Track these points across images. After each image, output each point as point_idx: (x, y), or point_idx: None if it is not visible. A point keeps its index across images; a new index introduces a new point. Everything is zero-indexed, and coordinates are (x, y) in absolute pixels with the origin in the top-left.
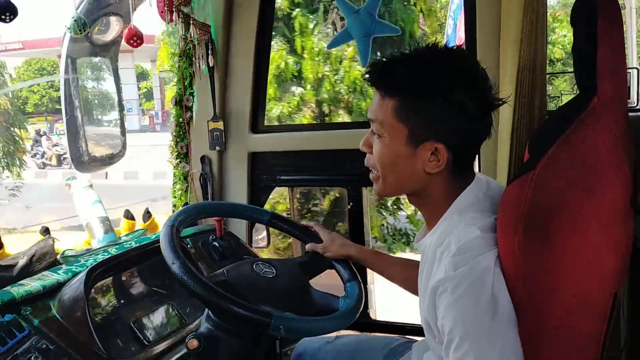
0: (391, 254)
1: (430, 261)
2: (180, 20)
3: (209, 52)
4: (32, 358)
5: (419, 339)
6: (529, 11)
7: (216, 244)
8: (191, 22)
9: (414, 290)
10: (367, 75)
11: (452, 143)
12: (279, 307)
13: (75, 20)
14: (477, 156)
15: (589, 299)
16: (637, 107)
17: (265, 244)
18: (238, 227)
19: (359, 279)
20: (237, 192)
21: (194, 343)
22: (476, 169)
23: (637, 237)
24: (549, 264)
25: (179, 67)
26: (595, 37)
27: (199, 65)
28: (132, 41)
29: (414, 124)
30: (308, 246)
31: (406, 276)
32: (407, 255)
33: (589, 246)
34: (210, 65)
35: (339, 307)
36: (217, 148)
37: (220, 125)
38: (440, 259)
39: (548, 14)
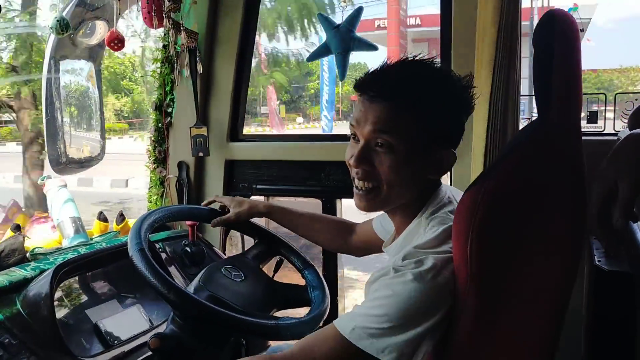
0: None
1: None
2: (170, 26)
3: (197, 59)
4: None
5: None
6: (503, 32)
7: (188, 249)
8: (182, 28)
9: (316, 241)
10: (372, 87)
11: (454, 148)
12: (262, 309)
13: (58, 21)
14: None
15: (540, 307)
16: (604, 132)
17: (240, 249)
18: (213, 233)
19: (312, 264)
20: None
21: (156, 342)
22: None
23: (596, 257)
24: (500, 270)
25: (160, 72)
26: (552, 56)
27: (180, 71)
28: (112, 44)
29: (430, 133)
30: (217, 221)
31: (312, 226)
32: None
33: (538, 255)
34: (199, 72)
35: (310, 297)
36: (200, 154)
37: (204, 131)
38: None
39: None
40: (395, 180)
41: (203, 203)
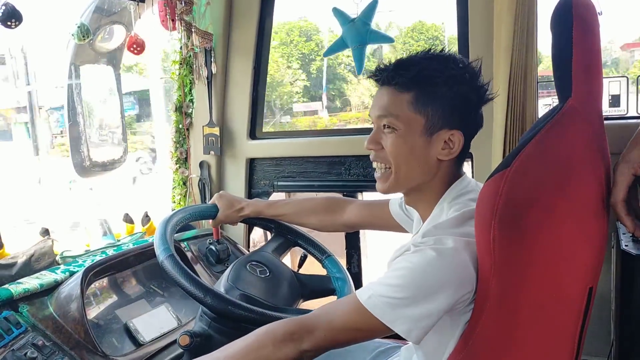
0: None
1: None
2: (183, 28)
3: (212, 59)
4: (28, 353)
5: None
6: (520, 18)
7: (213, 247)
8: (193, 30)
9: (306, 224)
10: (377, 76)
11: (465, 130)
12: (289, 302)
13: (78, 27)
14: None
15: (562, 293)
16: (627, 115)
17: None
18: (237, 231)
19: (330, 253)
20: None
21: (185, 339)
22: (468, 170)
23: (623, 242)
24: (523, 258)
25: (179, 74)
26: (571, 41)
27: (200, 72)
28: (132, 49)
29: (430, 114)
30: (211, 224)
31: (300, 211)
32: None
33: (562, 242)
34: (214, 72)
35: (334, 286)
36: (212, 152)
37: (216, 130)
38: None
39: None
40: (399, 158)
41: (210, 202)
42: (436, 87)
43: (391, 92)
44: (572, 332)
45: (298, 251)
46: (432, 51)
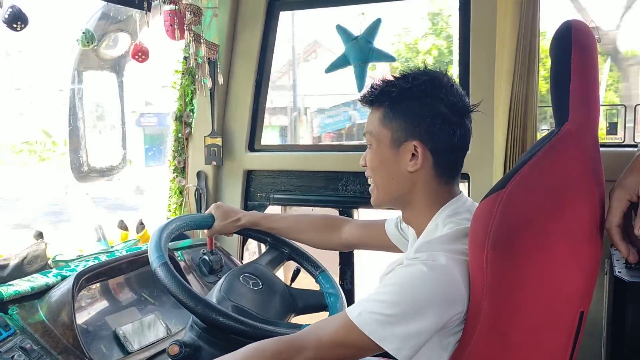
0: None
1: None
2: (192, 38)
3: (217, 70)
4: (16, 356)
5: None
6: (522, 42)
7: (206, 257)
8: (202, 41)
9: (302, 239)
10: (361, 98)
11: (431, 143)
12: (280, 315)
13: (84, 33)
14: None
15: (554, 316)
16: (624, 143)
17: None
18: (231, 243)
19: (324, 268)
20: None
21: (174, 349)
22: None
23: (617, 268)
24: (516, 280)
25: (181, 84)
26: (570, 67)
27: (202, 83)
28: (137, 57)
29: (395, 127)
30: (207, 234)
31: (296, 227)
32: None
33: (554, 265)
34: (220, 83)
35: (327, 302)
36: (214, 163)
37: (218, 141)
38: None
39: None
40: (374, 171)
41: (206, 212)
42: (399, 104)
43: (371, 112)
44: (562, 356)
45: (291, 265)
46: (414, 69)
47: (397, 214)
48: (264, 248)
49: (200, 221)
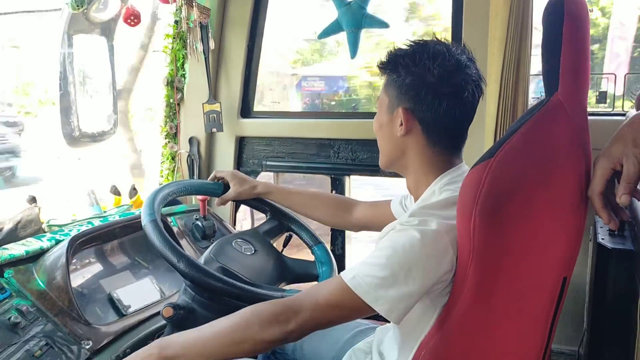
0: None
1: None
2: (183, 1)
3: (208, 34)
4: (12, 318)
5: (388, 324)
6: (515, 11)
7: (199, 223)
8: (194, 4)
9: (314, 217)
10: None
11: (418, 112)
12: (271, 282)
13: None
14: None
15: (538, 282)
16: (613, 112)
17: (250, 225)
18: (223, 208)
19: (322, 241)
20: None
21: (168, 311)
22: None
23: (600, 235)
24: (501, 246)
25: (172, 48)
26: (561, 37)
27: (195, 47)
28: (129, 20)
29: (390, 94)
30: (220, 200)
31: (311, 204)
32: None
33: (539, 232)
34: (212, 48)
35: (318, 272)
36: (214, 130)
37: (217, 107)
38: None
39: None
40: (377, 134)
41: (209, 178)
42: (395, 70)
43: (383, 79)
44: (545, 320)
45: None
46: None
47: (400, 192)
48: (256, 214)
49: (209, 188)
